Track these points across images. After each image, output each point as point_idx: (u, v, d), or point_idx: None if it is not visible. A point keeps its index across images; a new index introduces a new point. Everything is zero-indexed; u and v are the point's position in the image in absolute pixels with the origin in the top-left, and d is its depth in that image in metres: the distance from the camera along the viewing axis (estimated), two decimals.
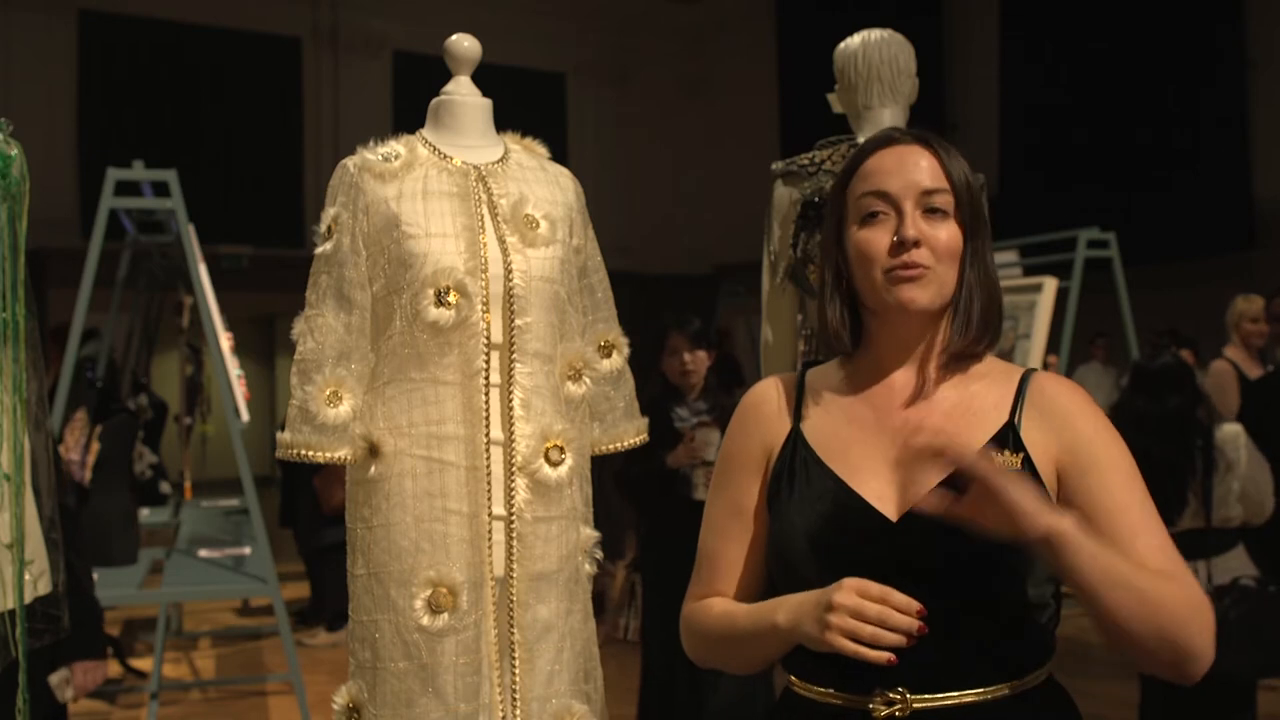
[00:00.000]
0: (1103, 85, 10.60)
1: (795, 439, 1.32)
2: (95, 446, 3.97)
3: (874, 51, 2.55)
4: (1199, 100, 9.97)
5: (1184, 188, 9.90)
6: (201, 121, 12.84)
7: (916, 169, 1.27)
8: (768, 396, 1.39)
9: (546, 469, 1.76)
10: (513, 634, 1.75)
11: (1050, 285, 5.39)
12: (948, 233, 1.26)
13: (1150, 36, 10.26)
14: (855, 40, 2.60)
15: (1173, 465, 3.22)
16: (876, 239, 1.27)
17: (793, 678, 1.33)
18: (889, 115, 2.54)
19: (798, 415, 1.34)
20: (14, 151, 1.70)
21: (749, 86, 14.31)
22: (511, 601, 1.75)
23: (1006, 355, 5.31)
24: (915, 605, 1.13)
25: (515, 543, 1.75)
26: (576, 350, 1.86)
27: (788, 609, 1.22)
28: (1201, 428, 3.28)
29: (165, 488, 6.24)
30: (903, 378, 1.31)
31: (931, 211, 1.26)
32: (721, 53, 15.01)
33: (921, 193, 1.26)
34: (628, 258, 12.69)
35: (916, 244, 1.25)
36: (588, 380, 1.87)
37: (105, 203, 3.70)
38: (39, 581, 1.87)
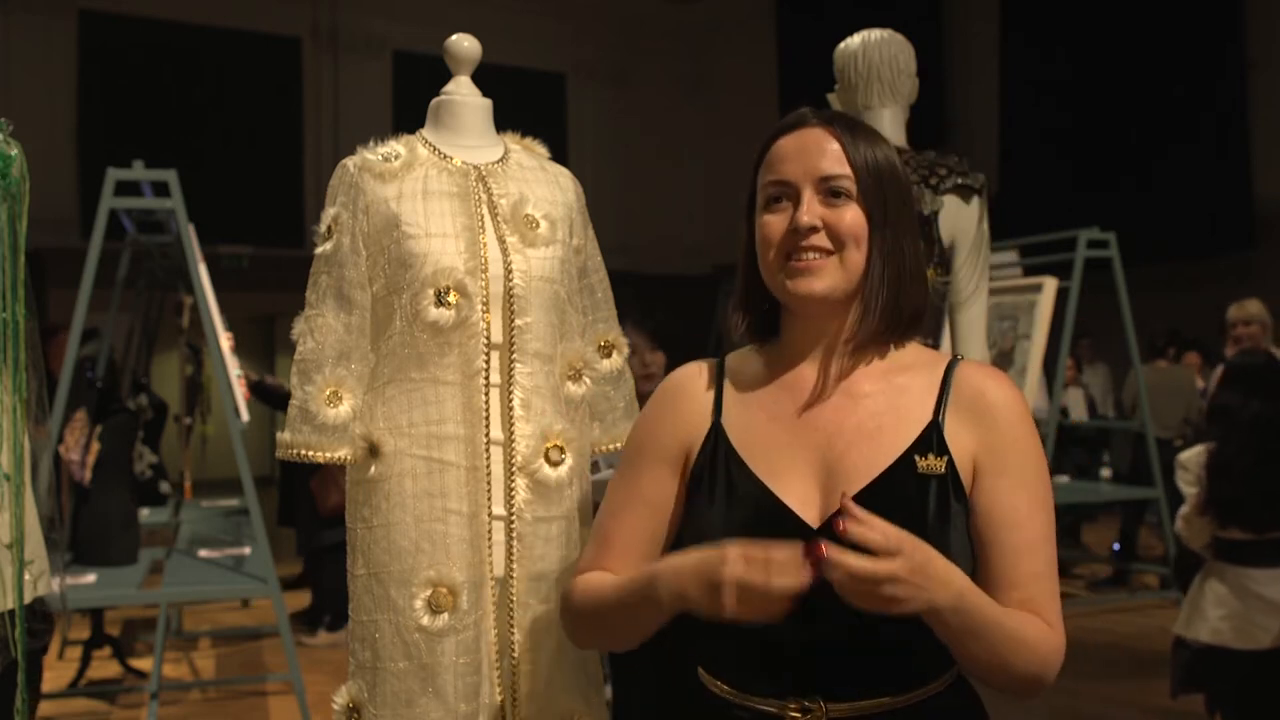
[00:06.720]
0: (1103, 85, 10.61)
1: (717, 435, 1.29)
2: (95, 446, 3.97)
3: (874, 51, 2.55)
4: (1199, 100, 9.98)
5: (1184, 188, 9.91)
6: (201, 121, 12.84)
7: (817, 154, 1.24)
8: (688, 386, 1.35)
9: (546, 469, 1.76)
10: (513, 634, 1.75)
11: (1050, 285, 5.39)
12: (850, 215, 1.23)
13: (1151, 37, 10.27)
14: (855, 40, 2.60)
15: None
16: (775, 225, 1.25)
17: (700, 669, 1.30)
18: (889, 115, 2.54)
19: (718, 408, 1.31)
20: (14, 151, 1.70)
21: (749, 86, 14.31)
22: (511, 601, 1.75)
23: (1007, 355, 5.31)
24: (798, 552, 1.08)
25: (515, 543, 1.75)
26: (576, 350, 1.86)
27: (666, 582, 1.18)
28: None
29: (165, 488, 6.23)
30: (818, 369, 1.28)
31: (835, 195, 1.24)
32: (721, 53, 15.02)
33: (820, 178, 1.24)
34: (628, 258, 12.69)
35: (813, 229, 1.22)
36: (588, 380, 1.87)
37: (105, 203, 3.70)
38: (39, 581, 1.88)
